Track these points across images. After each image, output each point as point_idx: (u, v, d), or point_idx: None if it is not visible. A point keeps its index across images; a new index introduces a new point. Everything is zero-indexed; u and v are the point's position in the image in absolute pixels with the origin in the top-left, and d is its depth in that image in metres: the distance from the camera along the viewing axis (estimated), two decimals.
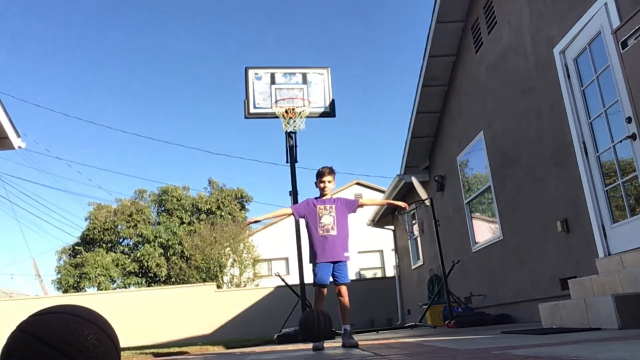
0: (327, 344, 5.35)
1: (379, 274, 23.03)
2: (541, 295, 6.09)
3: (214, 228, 22.51)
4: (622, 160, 4.60)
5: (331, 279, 4.64)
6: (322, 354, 3.78)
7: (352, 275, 22.16)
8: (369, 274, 22.92)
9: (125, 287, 24.57)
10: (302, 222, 4.92)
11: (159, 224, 26.61)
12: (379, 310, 15.24)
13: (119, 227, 26.24)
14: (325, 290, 4.62)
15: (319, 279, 4.56)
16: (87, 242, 26.21)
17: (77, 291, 23.10)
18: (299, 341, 7.20)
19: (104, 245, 26.18)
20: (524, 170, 6.39)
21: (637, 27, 3.67)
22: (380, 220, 14.05)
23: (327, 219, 4.61)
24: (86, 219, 26.53)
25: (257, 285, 20.72)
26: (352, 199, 4.94)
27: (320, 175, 4.74)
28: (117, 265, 24.88)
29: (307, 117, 8.26)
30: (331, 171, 4.77)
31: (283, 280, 10.14)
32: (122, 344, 2.16)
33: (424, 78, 8.89)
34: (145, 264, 24.76)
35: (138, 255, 25.04)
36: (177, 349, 7.16)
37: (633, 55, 3.77)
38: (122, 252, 26.20)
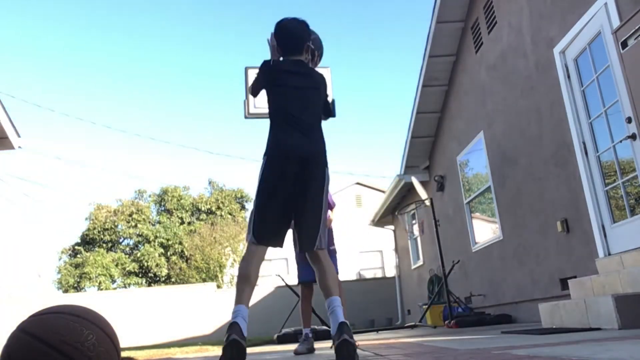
0: (327, 344, 5.34)
1: (379, 274, 23.03)
2: (541, 295, 6.09)
3: (214, 228, 22.52)
4: (622, 160, 4.60)
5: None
6: (321, 354, 3.78)
7: (352, 276, 22.17)
8: (369, 274, 22.91)
9: (126, 287, 24.57)
10: None
11: (159, 223, 26.63)
12: (379, 310, 15.24)
13: (119, 227, 26.26)
14: (310, 288, 4.51)
15: (299, 276, 4.49)
16: (87, 242, 26.23)
17: (78, 291, 23.11)
18: (299, 341, 7.20)
19: (104, 245, 26.20)
20: (524, 170, 6.40)
21: (637, 27, 3.67)
22: (381, 220, 14.06)
23: None
24: (86, 219, 26.56)
25: (257, 285, 20.71)
26: (331, 200, 4.48)
27: None
28: (117, 265, 24.89)
29: None
30: None
31: (283, 280, 10.15)
32: (122, 344, 2.17)
33: (424, 78, 8.90)
34: (145, 264, 24.77)
35: (138, 255, 25.06)
36: (177, 349, 7.16)
37: (633, 55, 3.77)
38: (123, 252, 26.22)
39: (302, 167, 2.74)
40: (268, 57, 3.09)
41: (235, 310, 2.48)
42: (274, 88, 2.93)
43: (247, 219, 2.73)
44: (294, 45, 3.02)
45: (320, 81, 3.04)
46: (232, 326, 2.38)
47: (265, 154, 2.80)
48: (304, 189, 2.73)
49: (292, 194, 2.73)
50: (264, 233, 2.71)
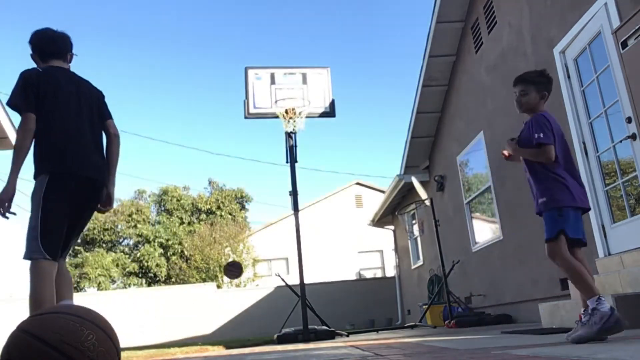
0: (327, 344, 5.35)
1: (379, 274, 23.02)
2: (541, 295, 6.09)
3: (213, 228, 22.51)
4: (622, 160, 4.60)
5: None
6: (321, 354, 3.78)
7: (352, 276, 22.19)
8: (369, 274, 22.91)
9: (125, 288, 24.58)
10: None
11: (159, 223, 26.63)
12: (379, 310, 15.24)
13: (119, 227, 26.26)
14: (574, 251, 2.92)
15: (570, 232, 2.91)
16: (87, 242, 26.22)
17: (77, 291, 23.11)
18: (299, 341, 7.21)
19: (104, 245, 26.19)
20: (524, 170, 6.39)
21: (637, 27, 3.67)
22: (381, 220, 14.06)
23: None
24: None
25: (257, 285, 20.71)
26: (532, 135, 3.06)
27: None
28: (117, 265, 24.89)
29: (307, 117, 8.25)
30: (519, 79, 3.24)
31: (283, 280, 10.15)
32: (122, 344, 2.16)
33: (424, 78, 8.90)
34: (145, 264, 24.78)
35: (138, 255, 25.06)
36: (177, 349, 7.16)
37: (633, 55, 3.77)
38: (122, 252, 26.22)
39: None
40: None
41: None
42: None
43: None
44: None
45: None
46: None
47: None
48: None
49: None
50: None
